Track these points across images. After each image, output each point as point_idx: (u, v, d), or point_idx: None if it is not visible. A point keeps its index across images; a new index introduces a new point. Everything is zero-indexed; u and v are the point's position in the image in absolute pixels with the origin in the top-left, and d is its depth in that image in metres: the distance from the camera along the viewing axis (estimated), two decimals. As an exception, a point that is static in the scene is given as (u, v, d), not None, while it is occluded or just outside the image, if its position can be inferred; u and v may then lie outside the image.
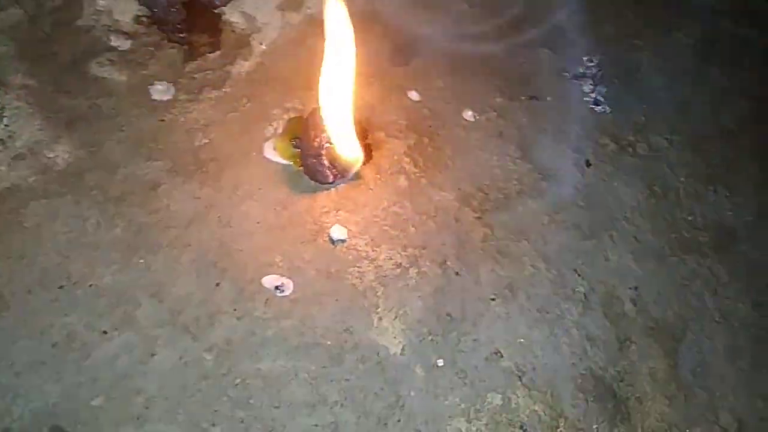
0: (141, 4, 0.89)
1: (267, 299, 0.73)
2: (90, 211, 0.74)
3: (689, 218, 0.93)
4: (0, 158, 0.75)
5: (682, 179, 0.97)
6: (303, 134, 0.81)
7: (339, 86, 0.75)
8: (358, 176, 0.83)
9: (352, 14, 0.98)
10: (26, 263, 0.70)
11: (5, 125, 0.77)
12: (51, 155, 0.77)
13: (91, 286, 0.70)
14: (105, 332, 0.68)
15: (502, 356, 0.74)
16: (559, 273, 0.82)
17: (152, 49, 0.87)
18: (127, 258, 0.72)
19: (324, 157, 0.80)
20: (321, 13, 0.96)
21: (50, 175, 0.76)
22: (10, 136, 0.77)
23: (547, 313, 0.78)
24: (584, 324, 0.79)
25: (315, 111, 0.78)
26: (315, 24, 0.95)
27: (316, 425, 0.67)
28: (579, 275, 0.83)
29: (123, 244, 0.73)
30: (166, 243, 0.74)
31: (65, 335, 0.67)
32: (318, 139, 0.79)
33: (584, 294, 0.81)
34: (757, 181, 1.00)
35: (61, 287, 0.69)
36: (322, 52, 0.92)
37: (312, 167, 0.81)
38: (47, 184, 0.75)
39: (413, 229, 0.81)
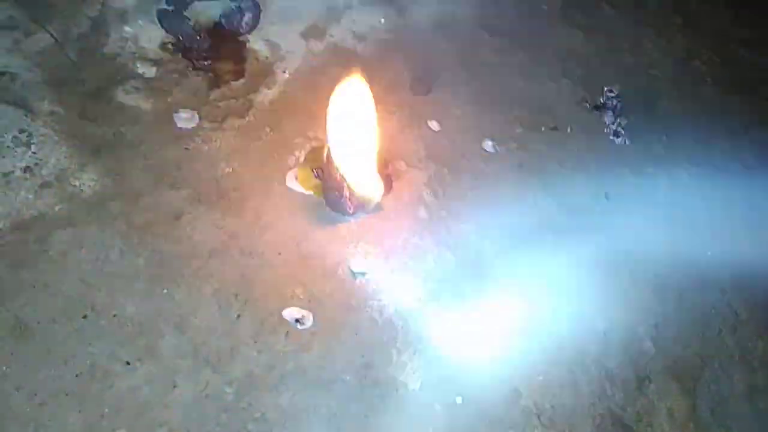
0: (167, 32, 0.90)
1: (287, 332, 0.73)
2: (114, 240, 0.75)
3: (708, 253, 0.93)
4: (27, 186, 0.76)
5: (701, 212, 0.97)
6: (324, 165, 0.81)
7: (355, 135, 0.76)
8: (379, 207, 0.83)
9: (373, 42, 1.00)
10: (51, 292, 0.71)
11: (33, 152, 0.78)
12: (76, 183, 0.78)
13: (114, 316, 0.71)
14: (128, 363, 0.68)
15: (520, 394, 0.74)
16: (579, 309, 0.82)
17: (177, 76, 0.88)
18: (150, 288, 0.73)
19: (345, 189, 0.80)
20: (344, 41, 0.98)
21: (75, 203, 0.77)
22: (37, 164, 0.78)
23: (567, 350, 0.78)
24: (603, 362, 0.79)
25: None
26: (338, 52, 0.96)
27: (336, 462, 0.67)
28: (598, 311, 0.82)
29: (146, 274, 0.74)
30: (189, 273, 0.74)
31: (88, 365, 0.68)
32: (339, 171, 0.79)
33: (603, 332, 0.81)
34: (777, 215, 1.00)
35: (84, 317, 0.70)
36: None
37: (333, 198, 0.81)
38: (72, 213, 0.76)
39: (432, 261, 0.81)
